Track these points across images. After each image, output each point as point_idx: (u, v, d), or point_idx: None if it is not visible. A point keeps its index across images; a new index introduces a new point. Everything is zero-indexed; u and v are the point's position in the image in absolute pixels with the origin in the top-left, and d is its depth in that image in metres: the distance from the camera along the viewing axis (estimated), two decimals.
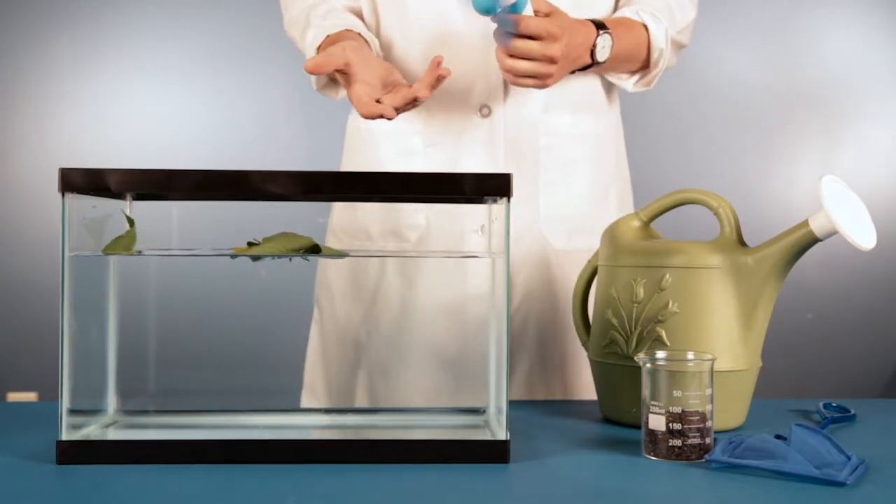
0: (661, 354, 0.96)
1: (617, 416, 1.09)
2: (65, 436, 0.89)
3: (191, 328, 1.07)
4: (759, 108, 3.28)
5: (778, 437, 0.92)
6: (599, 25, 1.26)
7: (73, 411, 0.90)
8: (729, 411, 1.05)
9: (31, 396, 3.02)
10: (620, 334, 1.08)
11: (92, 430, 0.96)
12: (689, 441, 0.91)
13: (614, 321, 1.08)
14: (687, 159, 3.20)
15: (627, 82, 1.38)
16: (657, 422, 0.91)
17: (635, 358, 0.95)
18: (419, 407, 1.33)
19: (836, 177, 1.03)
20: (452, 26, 1.31)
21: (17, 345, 3.09)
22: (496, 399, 0.98)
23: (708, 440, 0.91)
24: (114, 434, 0.98)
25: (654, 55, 1.34)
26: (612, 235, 1.14)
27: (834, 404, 1.17)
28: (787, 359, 3.15)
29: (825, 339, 3.24)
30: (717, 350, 1.02)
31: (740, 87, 3.28)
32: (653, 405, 0.92)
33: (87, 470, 0.87)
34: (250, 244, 0.99)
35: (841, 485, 0.82)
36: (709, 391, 0.92)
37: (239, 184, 0.90)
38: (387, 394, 1.30)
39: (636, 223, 1.14)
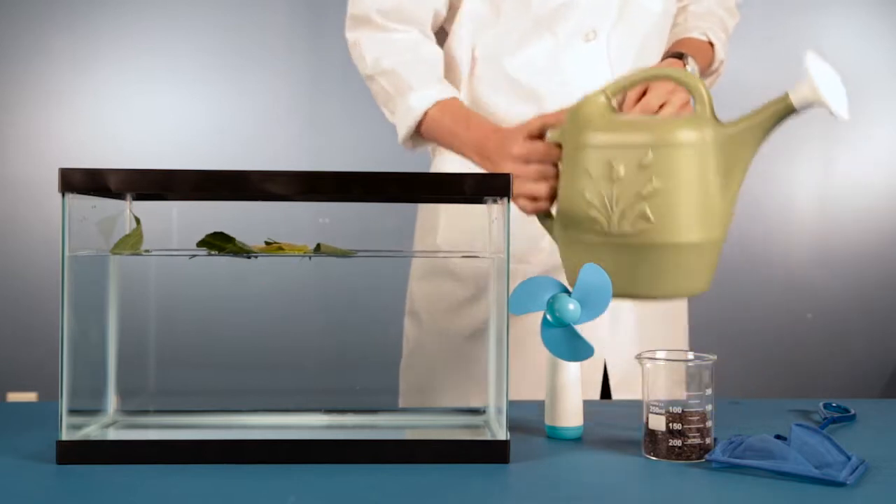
0: (661, 354, 0.95)
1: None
2: (65, 436, 0.89)
3: (190, 328, 1.07)
4: None
5: (778, 437, 0.92)
6: (680, 56, 1.36)
7: (73, 411, 0.90)
8: (696, 279, 1.08)
9: (31, 396, 3.02)
10: (601, 213, 1.06)
11: (92, 430, 0.96)
12: (689, 441, 0.91)
13: (594, 201, 1.06)
14: None
15: None
16: (657, 422, 0.91)
17: (636, 358, 0.95)
18: (419, 407, 1.33)
19: (817, 53, 1.04)
20: None
21: (17, 345, 3.09)
22: (496, 399, 0.98)
23: (708, 440, 0.91)
24: (114, 434, 0.98)
25: (715, 64, 1.46)
26: (578, 114, 1.10)
27: (834, 404, 1.17)
28: (787, 359, 3.15)
29: (825, 339, 3.24)
30: (695, 221, 1.03)
31: (740, 87, 3.27)
32: (653, 405, 0.92)
33: (87, 470, 0.87)
34: (268, 243, 0.99)
35: (841, 485, 0.82)
36: (709, 391, 0.92)
37: (239, 184, 0.90)
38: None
39: (602, 99, 1.10)
